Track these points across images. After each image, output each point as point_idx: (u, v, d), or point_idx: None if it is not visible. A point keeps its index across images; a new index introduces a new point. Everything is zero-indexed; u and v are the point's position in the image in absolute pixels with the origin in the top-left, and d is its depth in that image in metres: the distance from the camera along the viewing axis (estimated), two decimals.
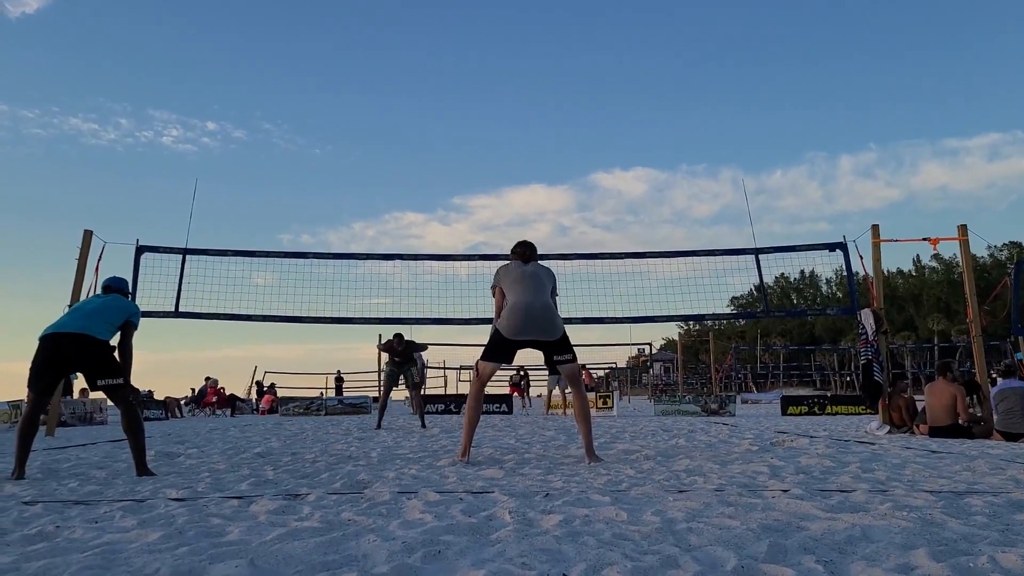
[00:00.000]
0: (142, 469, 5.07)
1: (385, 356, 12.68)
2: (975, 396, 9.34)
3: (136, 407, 5.34)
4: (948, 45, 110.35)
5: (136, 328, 5.47)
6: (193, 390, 23.17)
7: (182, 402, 21.71)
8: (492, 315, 5.88)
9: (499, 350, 5.65)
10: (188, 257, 10.73)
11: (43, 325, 5.20)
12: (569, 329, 5.90)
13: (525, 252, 6.09)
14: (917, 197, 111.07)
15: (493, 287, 5.96)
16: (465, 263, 11.58)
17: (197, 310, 10.76)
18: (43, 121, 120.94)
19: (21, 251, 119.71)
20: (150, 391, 20.72)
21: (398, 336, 11.86)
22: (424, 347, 12.75)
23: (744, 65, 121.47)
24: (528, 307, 5.55)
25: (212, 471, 5.16)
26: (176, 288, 10.58)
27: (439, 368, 28.78)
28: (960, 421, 8.38)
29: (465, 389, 27.96)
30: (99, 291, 5.80)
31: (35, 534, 2.85)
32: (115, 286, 5.70)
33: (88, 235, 10.41)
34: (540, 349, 5.71)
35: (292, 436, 9.42)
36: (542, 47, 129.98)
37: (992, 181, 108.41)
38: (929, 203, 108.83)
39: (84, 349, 5.03)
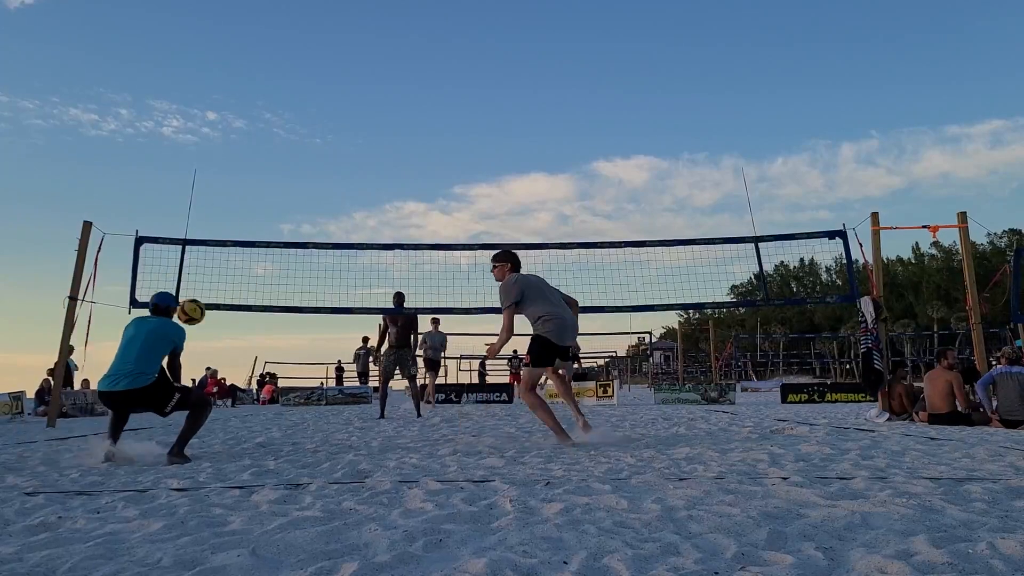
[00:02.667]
0: (178, 451, 5.28)
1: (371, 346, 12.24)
2: (973, 384, 9.34)
3: (202, 398, 5.75)
4: (951, 31, 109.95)
5: (182, 350, 5.74)
6: (194, 380, 23.20)
7: None
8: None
9: (551, 354, 6.20)
10: (188, 248, 10.72)
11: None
12: None
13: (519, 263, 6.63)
14: (919, 185, 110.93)
15: (516, 300, 6.18)
16: (465, 253, 11.58)
17: (197, 299, 10.75)
18: (43, 112, 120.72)
19: (21, 242, 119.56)
20: None
21: (399, 295, 11.09)
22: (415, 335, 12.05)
23: (746, 52, 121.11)
24: (568, 316, 6.28)
25: (213, 461, 5.17)
26: (176, 279, 10.58)
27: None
28: (960, 408, 8.38)
29: (465, 379, 28.00)
30: (147, 308, 5.91)
31: (37, 524, 2.86)
32: (162, 304, 5.85)
33: (87, 226, 10.40)
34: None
35: (293, 426, 9.44)
36: (542, 34, 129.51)
37: (994, 168, 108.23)
38: (930, 191, 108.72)
39: (139, 398, 5.40)
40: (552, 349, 6.12)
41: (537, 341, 6.14)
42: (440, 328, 15.85)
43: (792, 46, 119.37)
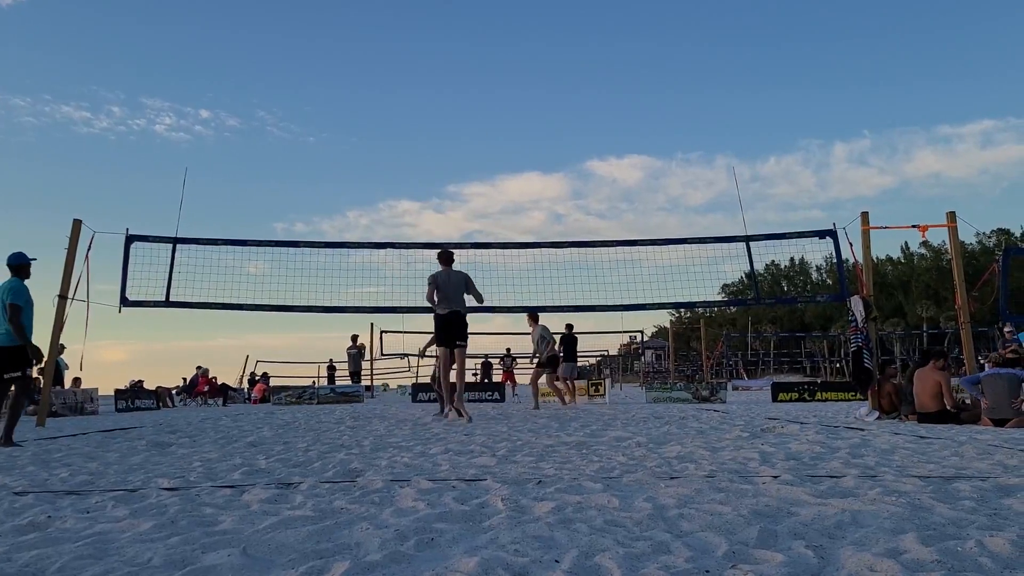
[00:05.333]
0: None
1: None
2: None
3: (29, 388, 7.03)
4: (942, 31, 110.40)
5: (19, 307, 6.47)
6: (184, 379, 23.12)
7: (173, 391, 21.67)
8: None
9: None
10: (179, 246, 10.69)
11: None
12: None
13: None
14: (910, 184, 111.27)
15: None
16: (458, 251, 11.58)
17: (188, 299, 10.73)
18: (35, 109, 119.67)
19: (11, 239, 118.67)
20: (140, 380, 20.66)
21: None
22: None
23: (739, 52, 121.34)
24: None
25: (204, 460, 5.15)
26: (167, 277, 10.55)
27: (433, 357, 28.78)
28: (948, 407, 8.43)
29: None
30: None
31: (26, 524, 2.84)
32: (11, 263, 6.75)
33: (77, 224, 10.34)
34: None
35: (284, 425, 9.41)
36: (537, 34, 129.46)
37: (985, 168, 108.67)
38: (922, 190, 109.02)
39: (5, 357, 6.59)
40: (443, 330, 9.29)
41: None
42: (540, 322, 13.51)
43: (785, 46, 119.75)
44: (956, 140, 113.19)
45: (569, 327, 15.11)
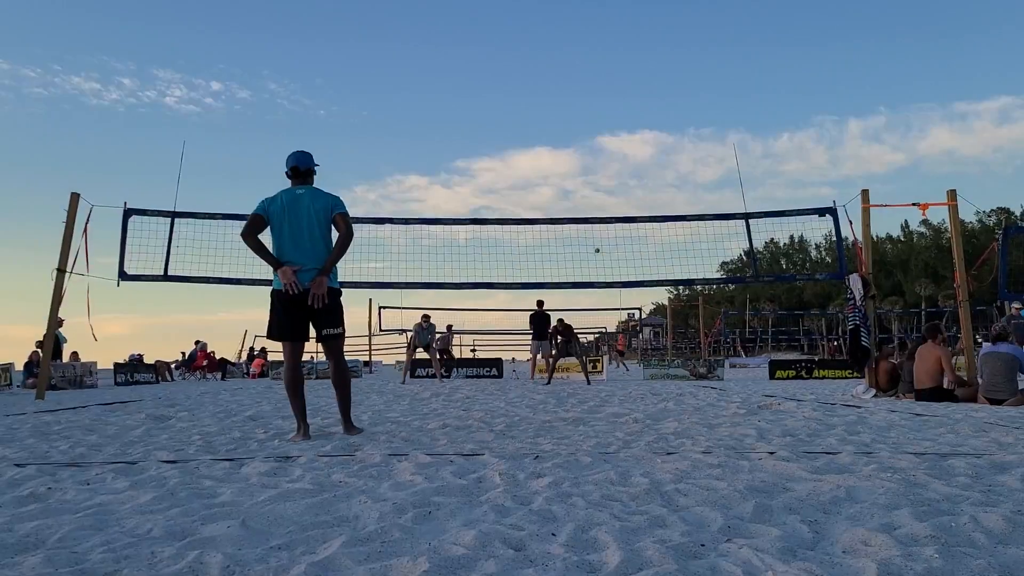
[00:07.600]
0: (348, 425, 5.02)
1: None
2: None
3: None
4: (961, 7, 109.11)
5: (345, 216, 4.77)
6: (183, 354, 23.17)
7: (172, 366, 21.72)
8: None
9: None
10: (177, 220, 10.64)
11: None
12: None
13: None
14: (923, 161, 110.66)
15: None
16: (461, 228, 11.55)
17: (187, 274, 10.71)
18: (45, 80, 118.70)
19: (16, 211, 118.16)
20: (140, 354, 20.70)
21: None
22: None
23: (754, 27, 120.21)
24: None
25: (203, 434, 5.18)
26: (165, 251, 10.52)
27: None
28: (946, 384, 8.44)
29: (455, 353, 28.06)
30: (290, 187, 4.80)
31: (27, 495, 2.86)
32: (302, 167, 4.80)
33: (75, 197, 10.30)
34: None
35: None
36: (549, 7, 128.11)
37: (999, 145, 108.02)
38: (934, 167, 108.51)
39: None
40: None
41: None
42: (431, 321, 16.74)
43: (803, 20, 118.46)
44: (972, 117, 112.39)
45: (540, 303, 15.64)
